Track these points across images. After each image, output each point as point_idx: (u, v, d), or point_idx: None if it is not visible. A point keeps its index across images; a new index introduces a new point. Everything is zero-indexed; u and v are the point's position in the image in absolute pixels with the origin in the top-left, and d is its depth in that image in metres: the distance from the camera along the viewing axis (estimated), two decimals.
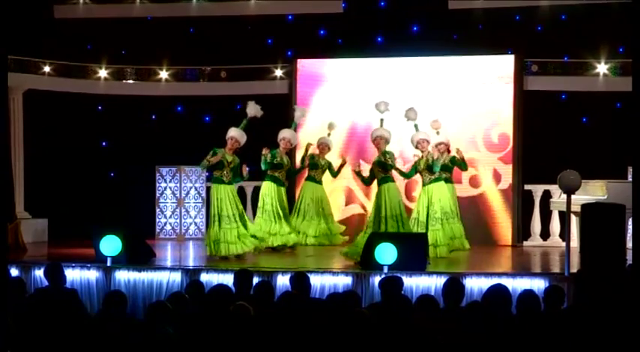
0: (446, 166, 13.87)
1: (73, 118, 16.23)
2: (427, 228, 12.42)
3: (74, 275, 10.85)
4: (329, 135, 14.52)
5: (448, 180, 13.89)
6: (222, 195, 12.24)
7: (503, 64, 15.21)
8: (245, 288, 8.55)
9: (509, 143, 15.16)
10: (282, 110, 15.02)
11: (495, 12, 15.31)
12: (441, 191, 12.66)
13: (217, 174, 12.31)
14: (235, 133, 12.37)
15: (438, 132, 13.92)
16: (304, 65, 15.91)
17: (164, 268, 11.06)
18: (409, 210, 13.08)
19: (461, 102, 15.17)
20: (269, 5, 16.15)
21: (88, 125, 16.46)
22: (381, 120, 12.67)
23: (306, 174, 14.53)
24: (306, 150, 14.36)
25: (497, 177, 15.17)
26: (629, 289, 8.25)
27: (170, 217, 15.55)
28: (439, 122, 13.86)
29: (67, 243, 13.85)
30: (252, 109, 12.67)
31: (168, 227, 15.58)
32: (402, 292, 8.47)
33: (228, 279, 9.89)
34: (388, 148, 12.39)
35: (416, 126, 12.78)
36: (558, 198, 13.81)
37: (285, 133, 13.57)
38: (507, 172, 15.17)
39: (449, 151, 13.93)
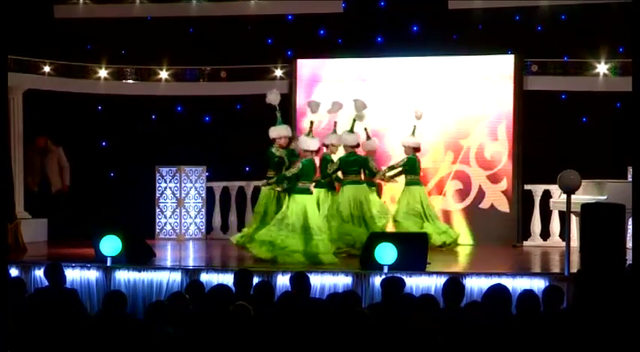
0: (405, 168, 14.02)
1: (73, 118, 16.22)
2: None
3: (74, 275, 10.84)
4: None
5: (412, 183, 13.97)
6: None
7: (503, 64, 15.20)
8: (245, 288, 8.55)
9: (501, 161, 15.03)
10: (282, 110, 15.00)
11: (495, 12, 15.29)
12: (349, 192, 12.69)
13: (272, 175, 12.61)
14: (281, 131, 12.68)
15: (413, 131, 14.00)
16: (304, 65, 15.89)
17: (164, 268, 11.06)
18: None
19: (460, 103, 15.13)
20: (269, 5, 16.13)
21: (88, 125, 16.45)
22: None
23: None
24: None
25: (480, 195, 15.03)
26: (629, 289, 8.25)
27: (170, 217, 15.54)
28: (420, 111, 13.89)
29: (67, 243, 13.85)
30: (273, 97, 12.85)
31: (168, 227, 15.57)
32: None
33: (228, 279, 9.89)
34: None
35: (354, 120, 12.84)
36: (558, 198, 13.80)
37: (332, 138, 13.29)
38: (492, 191, 15.01)
39: (417, 151, 14.05)
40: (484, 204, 15.08)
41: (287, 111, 15.44)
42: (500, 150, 15.06)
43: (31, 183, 15.37)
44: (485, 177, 15.09)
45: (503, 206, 14.97)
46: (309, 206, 11.93)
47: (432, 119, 14.79)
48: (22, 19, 14.66)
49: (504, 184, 15.02)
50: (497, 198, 15.01)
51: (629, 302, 7.63)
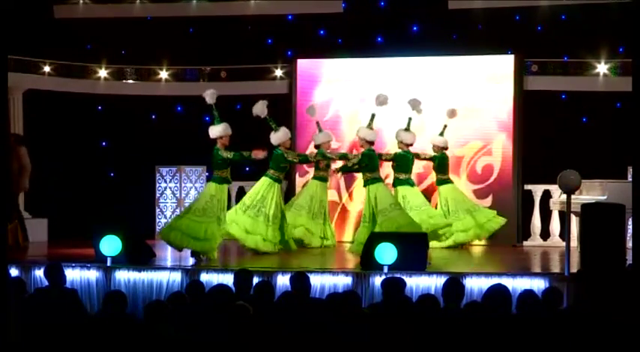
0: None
1: (73, 118, 16.23)
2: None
3: (74, 275, 10.83)
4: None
5: (442, 182, 14.09)
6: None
7: (503, 64, 15.19)
8: (245, 288, 8.55)
9: (491, 177, 14.97)
10: (282, 110, 15.02)
11: (495, 12, 15.30)
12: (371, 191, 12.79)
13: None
14: (222, 130, 12.69)
15: (442, 132, 14.08)
16: (304, 65, 15.88)
17: (164, 268, 11.06)
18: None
19: (460, 103, 15.09)
20: (269, 5, 16.14)
21: (88, 125, 16.46)
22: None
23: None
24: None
25: None
26: (629, 289, 8.25)
27: (170, 217, 15.53)
28: (456, 112, 14.06)
29: (67, 243, 13.85)
30: (258, 109, 12.79)
31: None
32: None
33: (228, 279, 9.89)
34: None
35: (373, 116, 13.05)
36: (558, 198, 13.80)
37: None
38: None
39: (445, 149, 14.16)
40: None
41: (287, 111, 15.49)
42: (492, 165, 15.00)
43: None
44: (472, 191, 15.01)
45: None
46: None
47: (430, 121, 14.75)
48: (22, 19, 14.67)
49: (489, 200, 14.93)
50: None
51: (629, 302, 7.63)
